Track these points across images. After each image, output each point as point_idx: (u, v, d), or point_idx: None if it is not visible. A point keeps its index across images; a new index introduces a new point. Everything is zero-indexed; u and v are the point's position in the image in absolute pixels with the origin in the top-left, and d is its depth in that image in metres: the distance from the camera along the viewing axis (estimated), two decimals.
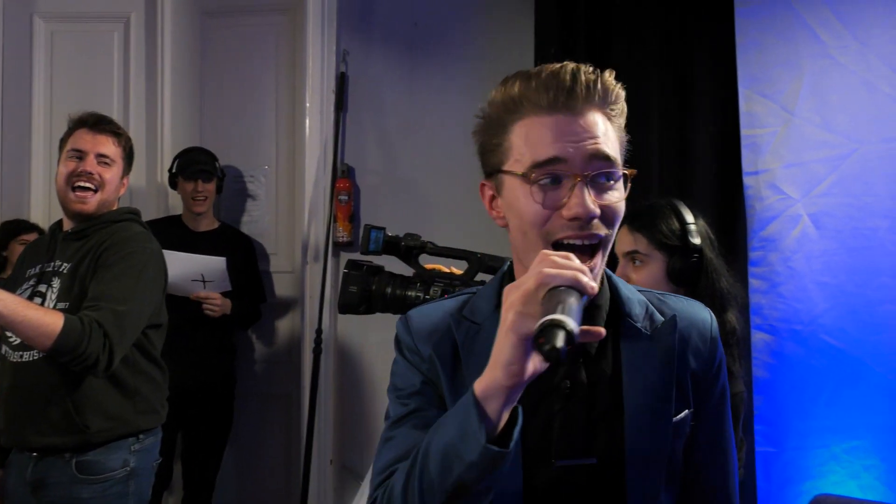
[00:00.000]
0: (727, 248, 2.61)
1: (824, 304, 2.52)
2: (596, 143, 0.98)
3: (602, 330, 0.92)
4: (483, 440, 0.86)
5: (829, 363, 2.49)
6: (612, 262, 2.02)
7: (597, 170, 0.98)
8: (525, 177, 0.99)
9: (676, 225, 1.83)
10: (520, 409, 0.90)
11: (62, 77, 3.59)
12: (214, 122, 3.53)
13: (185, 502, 3.28)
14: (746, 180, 2.61)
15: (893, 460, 2.40)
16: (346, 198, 3.07)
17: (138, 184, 3.48)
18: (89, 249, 2.14)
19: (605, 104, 1.00)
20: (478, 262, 1.94)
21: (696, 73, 2.76)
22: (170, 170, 3.27)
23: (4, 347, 2.16)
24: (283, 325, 3.46)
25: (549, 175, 0.98)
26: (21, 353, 2.10)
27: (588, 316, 0.96)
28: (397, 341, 1.12)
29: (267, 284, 3.44)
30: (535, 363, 0.87)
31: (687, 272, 1.80)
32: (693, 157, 2.72)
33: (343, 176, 3.08)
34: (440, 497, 0.91)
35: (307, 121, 3.12)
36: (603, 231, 0.99)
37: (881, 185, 2.46)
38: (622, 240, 1.87)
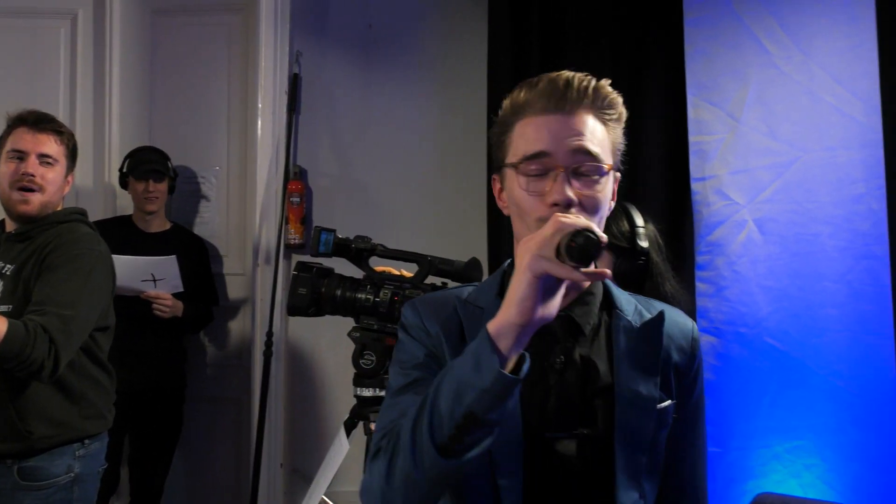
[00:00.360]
0: (675, 252, 2.67)
1: (768, 308, 2.58)
2: (580, 140, 1.08)
3: (608, 271, 1.02)
4: (497, 366, 0.94)
5: (772, 365, 2.55)
6: None
7: (578, 163, 1.08)
8: (516, 167, 1.10)
9: (626, 227, 1.86)
10: (527, 355, 0.98)
11: (5, 74, 3.50)
12: (165, 121, 3.48)
13: None
14: (694, 186, 2.66)
15: (833, 459, 2.46)
16: (298, 200, 3.06)
17: (85, 183, 3.41)
18: (34, 251, 2.09)
19: (597, 107, 1.11)
20: (428, 264, 1.96)
21: (647, 80, 2.82)
22: (120, 169, 3.21)
23: None
24: (234, 328, 3.42)
25: (537, 166, 1.08)
26: None
27: (582, 302, 1.15)
28: (402, 324, 1.18)
29: (219, 286, 3.40)
30: (544, 309, 0.97)
31: (633, 274, 1.82)
32: (643, 164, 2.77)
33: (295, 178, 3.06)
34: (448, 429, 0.96)
35: (259, 122, 3.10)
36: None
37: (823, 191, 2.52)
38: None
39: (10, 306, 2.02)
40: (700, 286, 2.63)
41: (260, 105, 3.09)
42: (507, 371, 0.95)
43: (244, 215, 3.43)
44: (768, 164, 2.62)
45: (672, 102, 2.75)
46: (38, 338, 1.93)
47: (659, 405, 1.13)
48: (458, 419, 0.95)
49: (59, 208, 2.22)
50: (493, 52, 2.87)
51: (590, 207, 1.09)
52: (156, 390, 3.09)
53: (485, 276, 1.98)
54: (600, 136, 1.10)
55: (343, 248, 1.94)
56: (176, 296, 3.00)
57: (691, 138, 2.67)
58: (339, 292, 1.88)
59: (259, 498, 3.01)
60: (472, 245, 2.70)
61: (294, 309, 1.95)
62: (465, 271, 1.97)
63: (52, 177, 2.14)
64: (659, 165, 2.78)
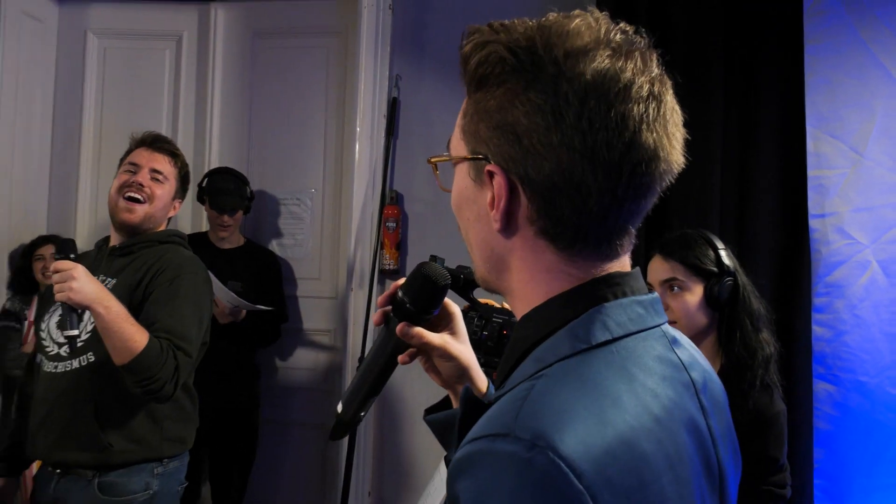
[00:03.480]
0: (789, 292, 2.56)
1: (892, 356, 2.43)
2: None
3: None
4: None
5: None
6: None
7: None
8: None
9: (710, 251, 1.88)
10: None
11: (113, 93, 3.62)
12: (262, 141, 3.53)
13: None
14: (812, 223, 2.53)
15: None
16: (394, 225, 3.04)
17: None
18: (137, 269, 2.15)
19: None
20: None
21: (761, 109, 2.68)
22: (200, 184, 3.26)
23: (40, 356, 2.16)
24: (324, 353, 3.42)
25: None
26: (56, 363, 2.11)
27: None
28: None
29: (307, 309, 3.42)
30: None
31: (725, 294, 1.85)
32: (756, 198, 2.64)
33: (391, 202, 3.05)
34: None
35: (357, 145, 3.10)
36: None
37: None
38: (657, 268, 1.92)
39: None
40: (817, 330, 2.49)
41: (358, 128, 3.09)
42: None
43: (338, 239, 3.43)
44: (895, 201, 2.49)
45: (788, 133, 2.62)
46: (168, 361, 1.99)
47: None
48: None
49: (161, 228, 2.28)
50: None
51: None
52: (230, 407, 3.11)
53: None
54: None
55: (452, 279, 1.89)
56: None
57: (810, 172, 2.54)
58: None
59: None
60: None
61: None
62: None
63: (160, 192, 2.22)
64: (773, 200, 2.65)
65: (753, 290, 1.91)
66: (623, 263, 0.80)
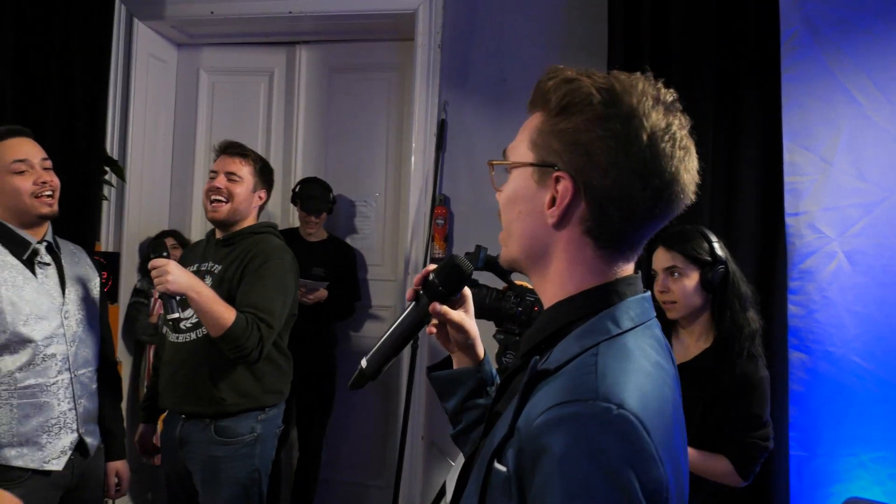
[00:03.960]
0: (768, 277, 2.50)
1: (855, 330, 2.37)
2: None
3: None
4: None
5: (858, 381, 2.34)
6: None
7: None
8: None
9: (705, 244, 1.84)
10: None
11: (219, 117, 3.70)
12: (337, 156, 3.57)
13: (300, 461, 3.31)
14: (788, 220, 2.48)
15: None
16: (443, 222, 3.05)
17: (275, 202, 3.54)
18: (236, 256, 2.17)
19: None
20: None
21: (745, 125, 2.61)
22: (293, 189, 3.30)
23: (165, 328, 2.20)
24: (387, 325, 3.44)
25: None
26: (178, 335, 2.15)
27: None
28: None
29: (374, 290, 3.45)
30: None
31: (717, 279, 1.84)
32: (740, 199, 2.59)
33: (440, 204, 3.06)
34: None
35: (412, 158, 3.12)
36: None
37: None
38: (661, 257, 1.90)
39: None
40: (792, 308, 2.44)
41: (413, 144, 3.11)
42: None
43: (397, 233, 3.46)
44: (858, 202, 2.42)
45: (768, 145, 2.56)
46: (252, 331, 2.00)
47: (496, 463, 0.77)
48: None
49: (252, 218, 2.26)
50: None
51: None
52: (312, 368, 3.16)
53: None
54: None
55: (492, 264, 1.88)
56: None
57: (786, 178, 2.49)
58: (487, 301, 1.83)
59: (403, 464, 3.00)
60: None
61: None
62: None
63: (237, 190, 2.19)
64: (754, 200, 2.58)
65: (742, 275, 1.89)
66: (632, 267, 0.86)
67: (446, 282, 1.06)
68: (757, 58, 2.57)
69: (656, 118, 0.79)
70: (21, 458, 1.80)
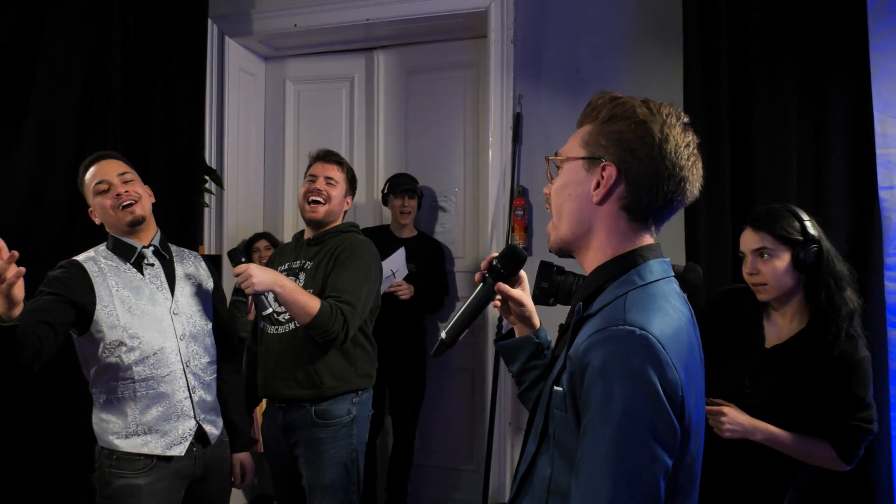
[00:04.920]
0: (863, 254, 2.40)
1: None
2: None
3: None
4: None
5: None
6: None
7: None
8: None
9: (796, 222, 1.78)
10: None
11: (305, 123, 3.85)
12: (416, 153, 3.66)
13: (394, 447, 3.41)
14: (882, 194, 2.38)
15: None
16: (522, 213, 3.08)
17: (360, 201, 3.67)
18: (326, 252, 2.30)
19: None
20: None
21: (832, 98, 2.49)
22: (382, 190, 3.42)
23: (262, 322, 2.34)
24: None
25: None
26: (276, 327, 2.28)
27: None
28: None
29: (456, 281, 3.52)
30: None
31: (810, 259, 1.77)
32: (830, 175, 2.49)
33: (519, 195, 3.10)
34: None
35: (490, 151, 3.17)
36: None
37: None
38: (749, 238, 1.84)
39: (312, 290, 2.23)
40: (889, 285, 2.33)
41: (490, 138, 3.15)
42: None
43: (477, 225, 3.51)
44: None
45: (857, 118, 2.45)
46: (337, 316, 2.12)
47: (555, 386, 1.02)
48: None
49: (340, 220, 2.41)
50: (687, 99, 2.68)
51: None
52: (404, 358, 3.27)
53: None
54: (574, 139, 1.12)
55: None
56: (409, 282, 3.21)
57: (878, 151, 2.38)
58: (574, 286, 1.86)
59: (492, 448, 3.06)
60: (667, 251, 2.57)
61: (537, 298, 1.95)
62: (684, 275, 1.84)
63: (334, 193, 2.35)
64: (845, 176, 2.48)
65: (836, 254, 1.79)
66: (654, 238, 1.09)
67: (507, 265, 1.29)
68: (843, 26, 2.47)
69: (679, 131, 1.04)
70: (146, 445, 1.95)
